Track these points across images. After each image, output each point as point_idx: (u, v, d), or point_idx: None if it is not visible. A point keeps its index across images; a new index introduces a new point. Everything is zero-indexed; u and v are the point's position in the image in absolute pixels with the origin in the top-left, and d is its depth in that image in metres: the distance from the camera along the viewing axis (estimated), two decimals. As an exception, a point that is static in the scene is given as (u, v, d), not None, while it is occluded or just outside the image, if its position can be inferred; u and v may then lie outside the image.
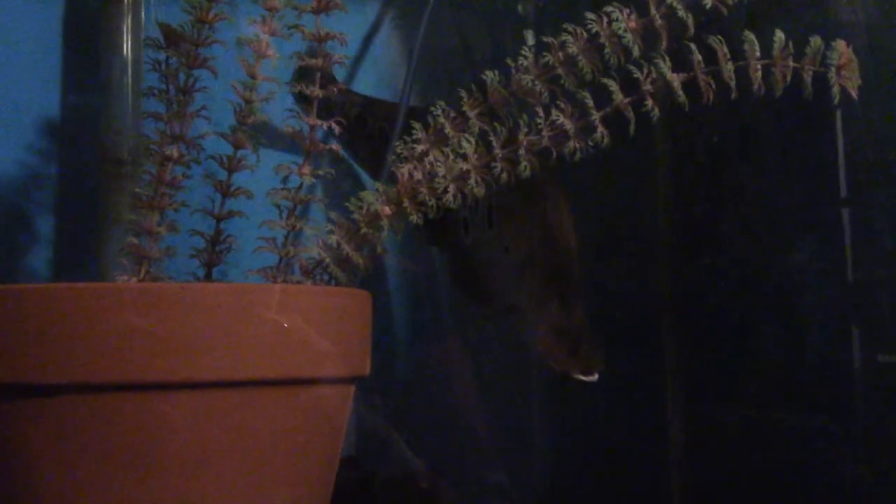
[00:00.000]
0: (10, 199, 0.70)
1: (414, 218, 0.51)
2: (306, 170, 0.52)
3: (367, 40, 0.81)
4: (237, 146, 0.54)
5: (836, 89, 0.49)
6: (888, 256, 0.63)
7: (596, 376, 0.56)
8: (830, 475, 0.66)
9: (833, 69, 0.49)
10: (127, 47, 0.68)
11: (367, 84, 0.80)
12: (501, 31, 0.82)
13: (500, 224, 0.62)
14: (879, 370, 0.64)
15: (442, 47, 0.80)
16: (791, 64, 0.49)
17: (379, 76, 0.81)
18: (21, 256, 0.70)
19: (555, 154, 0.50)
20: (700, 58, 0.49)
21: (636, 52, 0.49)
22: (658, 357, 0.76)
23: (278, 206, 0.53)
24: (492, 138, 0.50)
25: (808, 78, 0.49)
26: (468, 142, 0.50)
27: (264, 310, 0.47)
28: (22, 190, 0.70)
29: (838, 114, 0.65)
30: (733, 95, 0.49)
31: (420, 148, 0.51)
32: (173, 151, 0.53)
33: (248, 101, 0.53)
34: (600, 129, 0.49)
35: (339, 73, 0.74)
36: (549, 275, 0.58)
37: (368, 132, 0.72)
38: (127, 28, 0.67)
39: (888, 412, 0.63)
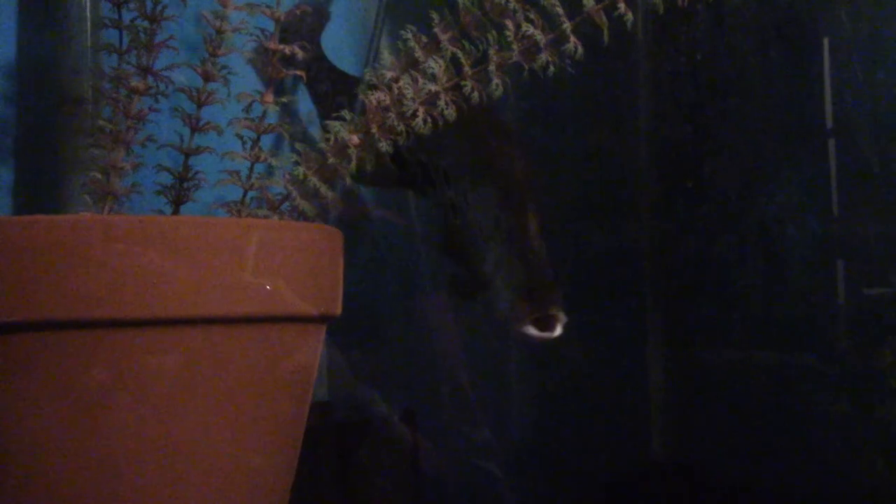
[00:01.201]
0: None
1: (383, 145, 0.49)
2: (269, 97, 0.51)
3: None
4: (207, 79, 0.52)
5: None
6: (874, 187, 0.63)
7: (556, 332, 0.55)
8: (816, 412, 0.66)
9: None
10: (85, -19, 0.66)
11: (337, 25, 0.78)
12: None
13: (472, 201, 0.62)
14: (864, 303, 0.63)
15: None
16: None
17: (348, 15, 0.80)
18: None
19: (526, 69, 0.48)
20: None
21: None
22: (637, 300, 0.76)
23: (241, 137, 0.51)
24: (461, 58, 0.48)
25: None
26: (437, 63, 0.48)
27: (228, 244, 0.46)
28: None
29: (825, 42, 0.64)
30: None
31: (389, 74, 0.50)
32: (139, 84, 0.51)
33: (220, 32, 0.52)
34: (572, 39, 0.48)
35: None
36: (508, 240, 0.58)
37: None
38: (84, -40, 0.65)
39: (872, 345, 0.63)
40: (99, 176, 0.52)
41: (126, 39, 0.54)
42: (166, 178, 0.55)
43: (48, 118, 0.68)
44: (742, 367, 0.71)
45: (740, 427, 0.71)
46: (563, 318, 0.56)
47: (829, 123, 0.66)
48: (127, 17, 0.54)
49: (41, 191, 0.69)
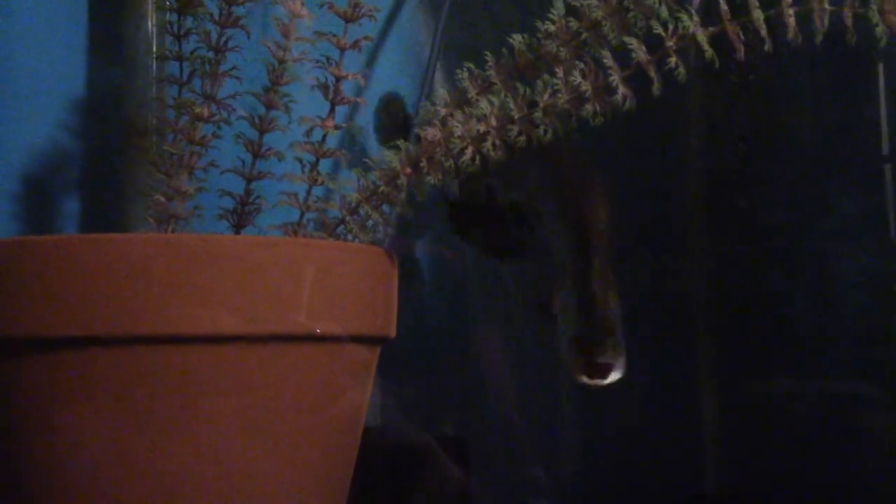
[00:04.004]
0: (38, 173, 0.71)
1: (432, 179, 0.51)
2: (330, 122, 0.52)
3: (394, 12, 0.81)
4: (269, 107, 0.54)
5: (879, 29, 0.47)
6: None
7: (607, 380, 0.54)
8: (873, 441, 0.65)
9: (873, 8, 0.47)
10: (151, 18, 0.69)
11: (392, 57, 0.80)
12: (529, 3, 0.82)
13: (541, 228, 0.62)
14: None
15: (469, 20, 0.80)
16: (828, 7, 0.48)
17: (404, 49, 0.81)
18: (47, 231, 0.71)
19: (574, 116, 0.49)
20: (727, 8, 0.48)
21: (664, 13, 0.48)
22: (688, 331, 0.75)
23: (300, 160, 0.53)
24: (509, 100, 0.49)
25: (848, 21, 0.48)
26: (490, 102, 0.49)
27: (287, 263, 0.47)
28: (48, 164, 0.72)
29: (880, 67, 0.64)
30: (767, 47, 0.48)
31: (443, 111, 0.51)
32: (203, 111, 0.53)
33: (282, 62, 0.54)
34: (622, 89, 0.49)
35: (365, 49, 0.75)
36: (574, 277, 0.58)
37: None
38: (151, -1, 0.68)
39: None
40: (162, 199, 0.54)
41: (186, 71, 0.56)
42: (228, 203, 0.57)
43: (114, 149, 0.71)
44: (796, 398, 0.70)
45: (795, 458, 0.70)
46: (618, 365, 0.55)
47: (885, 149, 0.66)
48: (187, 48, 0.57)
49: (106, 219, 0.71)
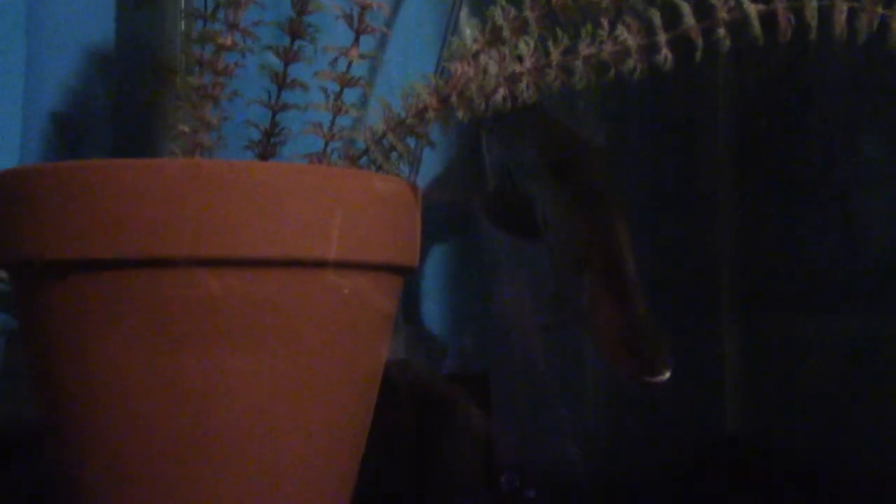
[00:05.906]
0: (70, 114, 0.72)
1: (461, 114, 0.50)
2: (354, 52, 0.52)
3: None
4: (294, 36, 0.54)
5: None
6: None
7: (666, 375, 0.54)
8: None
9: None
10: (180, -45, 0.69)
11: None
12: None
13: (553, 224, 0.61)
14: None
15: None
16: (880, 11, 0.47)
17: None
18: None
19: (613, 70, 0.49)
20: None
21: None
22: (711, 267, 0.74)
23: (325, 90, 0.53)
24: (549, 44, 0.49)
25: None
26: (526, 43, 0.49)
27: (311, 190, 0.47)
28: (77, 103, 0.72)
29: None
30: (812, 36, 0.47)
31: (475, 47, 0.51)
32: (226, 39, 0.53)
33: (307, -10, 0.53)
34: (665, 51, 0.48)
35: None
36: (602, 276, 0.56)
37: None
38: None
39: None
40: (187, 130, 0.54)
41: (211, 4, 0.56)
42: (254, 135, 0.57)
43: (144, 88, 0.71)
44: (822, 336, 0.70)
45: (819, 398, 0.70)
46: (668, 367, 0.54)
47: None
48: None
49: (135, 155, 0.72)
